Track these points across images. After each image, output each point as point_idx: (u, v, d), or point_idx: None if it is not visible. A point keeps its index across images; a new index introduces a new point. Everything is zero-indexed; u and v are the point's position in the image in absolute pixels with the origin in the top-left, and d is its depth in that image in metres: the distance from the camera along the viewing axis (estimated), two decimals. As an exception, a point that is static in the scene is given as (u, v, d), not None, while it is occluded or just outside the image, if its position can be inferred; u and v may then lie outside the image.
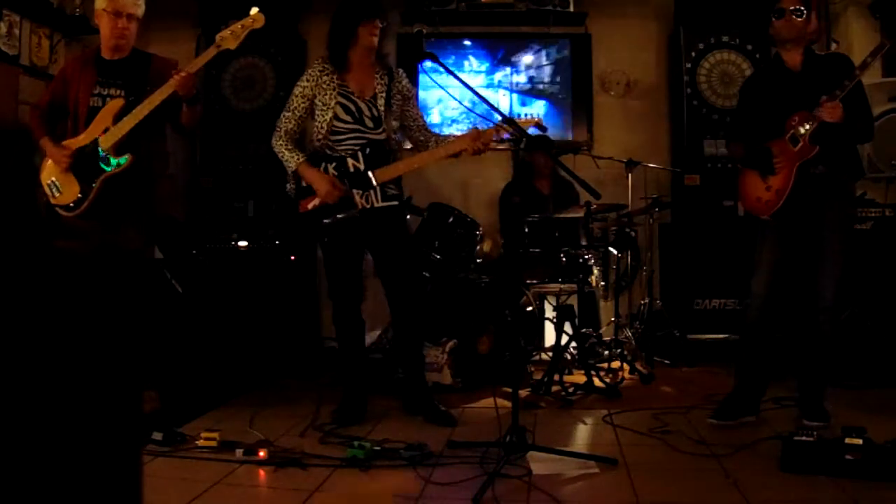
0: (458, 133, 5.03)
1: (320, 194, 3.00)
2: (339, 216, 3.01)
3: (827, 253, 2.89)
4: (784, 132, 2.91)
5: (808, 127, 2.83)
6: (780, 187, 2.91)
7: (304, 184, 3.08)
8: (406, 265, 3.18)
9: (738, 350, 3.16)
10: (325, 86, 3.05)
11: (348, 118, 3.06)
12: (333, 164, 3.06)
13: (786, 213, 2.92)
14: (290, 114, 3.09)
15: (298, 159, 3.03)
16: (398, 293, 3.18)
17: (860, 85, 2.86)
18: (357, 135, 3.07)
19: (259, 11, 2.92)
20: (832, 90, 2.79)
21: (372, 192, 3.05)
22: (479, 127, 3.00)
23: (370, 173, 3.03)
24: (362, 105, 3.08)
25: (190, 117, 3.02)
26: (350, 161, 3.05)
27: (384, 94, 3.10)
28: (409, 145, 3.39)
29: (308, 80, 3.07)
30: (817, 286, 2.90)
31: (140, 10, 3.04)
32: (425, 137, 3.22)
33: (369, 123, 3.08)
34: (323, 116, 3.05)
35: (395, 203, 3.11)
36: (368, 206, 3.05)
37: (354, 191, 3.03)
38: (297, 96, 3.08)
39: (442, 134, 3.30)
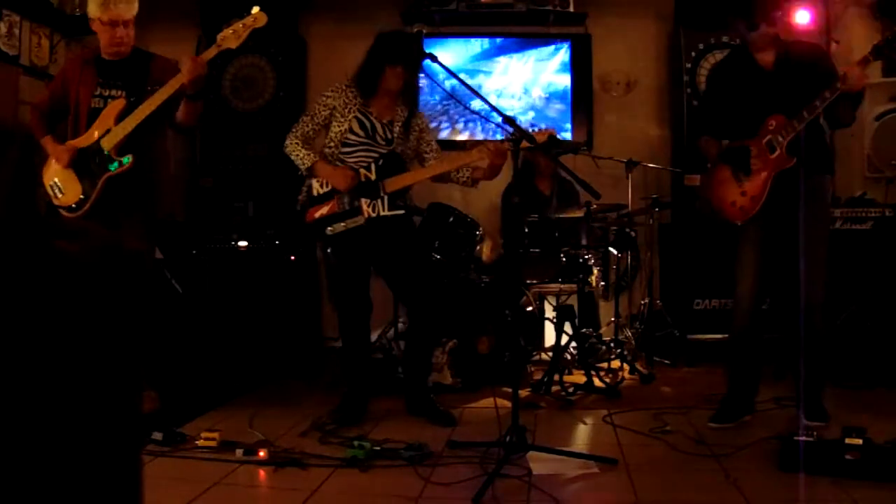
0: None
1: (334, 180, 3.03)
2: (343, 225, 3.03)
3: (807, 253, 2.85)
4: (758, 133, 2.88)
5: (786, 135, 2.80)
6: (756, 194, 2.88)
7: (314, 192, 3.10)
8: (419, 272, 3.18)
9: (728, 354, 3.15)
10: (347, 99, 3.10)
11: (361, 132, 3.09)
12: None
13: (761, 218, 2.91)
14: (308, 118, 3.13)
15: (312, 157, 3.06)
16: (415, 298, 3.18)
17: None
18: (367, 149, 3.10)
19: (261, 10, 2.91)
20: (807, 90, 2.72)
21: (379, 201, 3.05)
22: (487, 137, 3.01)
23: (381, 182, 3.05)
24: (377, 125, 3.11)
25: (189, 114, 2.99)
26: (363, 172, 3.07)
27: (401, 123, 3.14)
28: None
29: (333, 91, 3.13)
30: (804, 287, 2.87)
31: (134, 11, 3.01)
32: (442, 156, 3.24)
33: (380, 141, 3.11)
34: (338, 127, 3.09)
35: (401, 212, 3.11)
36: (374, 215, 3.05)
37: (362, 199, 3.04)
38: (319, 104, 3.13)
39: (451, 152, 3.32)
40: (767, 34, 2.87)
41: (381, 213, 3.06)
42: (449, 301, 3.80)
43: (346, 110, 3.09)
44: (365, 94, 3.11)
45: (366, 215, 3.05)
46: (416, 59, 2.97)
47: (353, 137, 3.09)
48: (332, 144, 3.11)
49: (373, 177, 3.06)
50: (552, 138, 2.79)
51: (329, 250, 3.14)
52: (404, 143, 3.14)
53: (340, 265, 3.14)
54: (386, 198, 3.05)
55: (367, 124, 3.10)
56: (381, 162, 3.07)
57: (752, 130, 2.90)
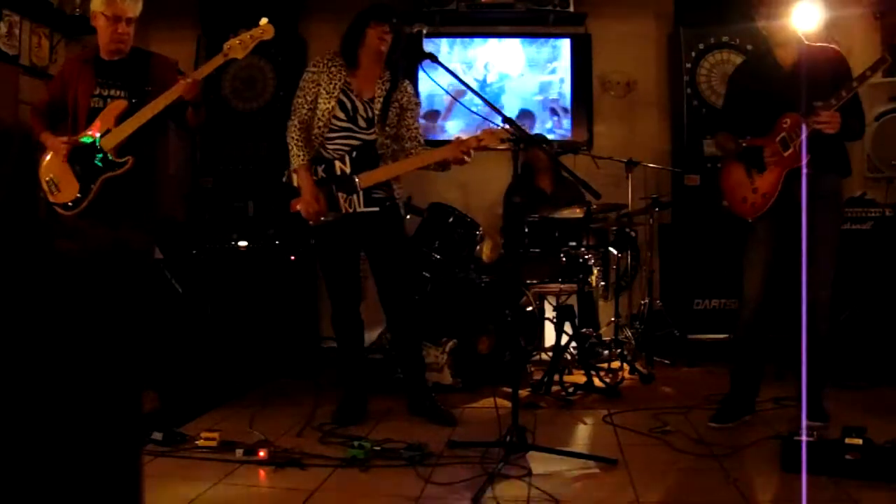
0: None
1: (302, 202, 3.05)
2: (322, 218, 3.05)
3: (818, 253, 2.86)
4: (773, 130, 2.89)
5: (798, 133, 2.81)
6: (768, 191, 2.90)
7: (294, 184, 3.11)
8: (397, 268, 3.18)
9: (733, 353, 3.15)
10: (331, 75, 3.09)
11: (342, 115, 3.09)
12: (322, 167, 3.10)
13: (772, 216, 2.91)
14: (301, 100, 3.12)
15: (301, 160, 3.06)
16: (389, 295, 3.20)
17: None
18: (348, 134, 3.10)
19: (269, 22, 2.91)
20: (824, 90, 2.76)
21: (355, 196, 3.06)
22: (485, 127, 3.01)
23: (355, 178, 3.05)
24: (359, 104, 3.11)
25: (192, 117, 3.02)
26: (338, 164, 3.08)
27: (381, 99, 3.12)
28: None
29: (316, 66, 3.12)
30: (811, 286, 2.88)
31: (138, 10, 3.01)
32: (416, 152, 3.23)
33: (361, 123, 3.11)
34: (325, 105, 3.08)
35: (377, 209, 3.10)
36: (351, 211, 3.07)
37: (339, 194, 3.06)
38: (307, 82, 3.12)
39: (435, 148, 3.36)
40: (788, 27, 2.88)
41: (358, 210, 3.07)
42: (434, 300, 3.81)
43: (332, 87, 3.08)
44: (349, 63, 3.10)
45: (342, 210, 3.06)
46: (413, 51, 2.97)
47: (336, 122, 3.09)
48: (320, 125, 3.09)
49: (348, 169, 3.06)
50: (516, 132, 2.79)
51: (314, 241, 3.16)
52: (384, 120, 3.12)
53: (328, 256, 3.17)
54: (361, 193, 3.06)
55: (349, 105, 3.09)
56: (354, 154, 3.07)
57: (768, 129, 2.91)
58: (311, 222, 3.05)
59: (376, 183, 3.08)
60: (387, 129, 3.14)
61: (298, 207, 3.07)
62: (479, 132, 2.97)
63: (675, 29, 4.89)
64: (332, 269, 3.18)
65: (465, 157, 3.01)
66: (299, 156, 3.06)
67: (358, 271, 3.24)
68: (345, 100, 3.09)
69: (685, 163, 4.71)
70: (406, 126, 3.22)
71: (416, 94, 3.38)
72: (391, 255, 3.18)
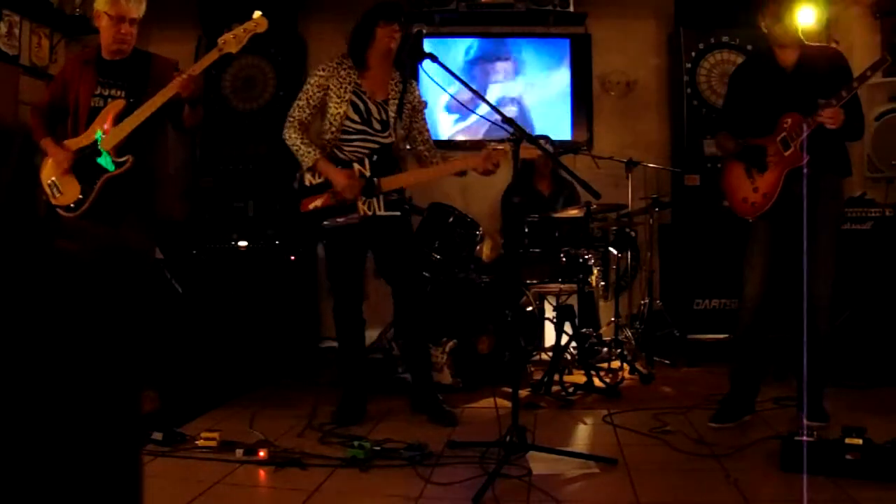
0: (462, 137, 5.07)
1: (339, 187, 2.99)
2: (339, 220, 3.02)
3: (817, 253, 2.86)
4: (774, 130, 2.90)
5: (799, 133, 2.81)
6: (768, 191, 2.90)
7: (307, 183, 3.09)
8: (409, 268, 3.18)
9: (733, 353, 3.15)
10: (341, 78, 3.05)
11: (356, 118, 3.06)
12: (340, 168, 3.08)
13: (772, 215, 2.92)
14: (303, 103, 3.08)
15: (314, 155, 3.02)
16: (403, 296, 3.19)
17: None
18: (364, 136, 3.08)
19: (262, 15, 2.90)
20: (825, 91, 2.76)
21: (375, 200, 3.04)
22: (486, 139, 3.02)
23: (376, 181, 3.03)
24: (372, 106, 3.08)
25: (192, 118, 3.02)
26: (356, 167, 3.05)
27: (396, 101, 3.11)
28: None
29: (324, 70, 3.07)
30: (811, 286, 2.88)
31: (142, 11, 3.02)
32: (429, 153, 3.23)
33: (377, 126, 3.08)
34: (336, 109, 3.04)
35: (398, 213, 3.10)
36: (371, 214, 3.05)
37: (358, 196, 3.04)
38: (312, 85, 3.08)
39: (447, 152, 3.36)
40: (789, 28, 2.89)
41: (378, 213, 3.06)
42: (434, 300, 3.82)
43: (342, 90, 3.04)
44: (358, 65, 3.07)
45: (361, 213, 3.04)
46: (414, 45, 2.97)
47: (350, 124, 3.06)
48: (332, 129, 3.07)
49: (367, 173, 3.05)
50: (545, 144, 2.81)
51: (324, 242, 3.14)
52: (399, 122, 3.11)
53: (337, 256, 3.15)
54: (381, 197, 3.05)
55: (362, 107, 3.06)
56: (374, 158, 3.05)
57: (769, 129, 2.91)
58: (337, 217, 3.02)
59: (395, 188, 3.06)
60: (400, 130, 3.14)
61: (315, 205, 3.03)
62: (503, 145, 2.97)
63: (675, 29, 4.88)
64: (339, 269, 3.16)
65: (494, 169, 3.01)
66: (310, 152, 3.02)
67: (363, 271, 3.23)
68: (357, 102, 3.06)
69: (685, 163, 4.70)
70: (417, 129, 3.21)
71: None
72: (407, 257, 3.17)
